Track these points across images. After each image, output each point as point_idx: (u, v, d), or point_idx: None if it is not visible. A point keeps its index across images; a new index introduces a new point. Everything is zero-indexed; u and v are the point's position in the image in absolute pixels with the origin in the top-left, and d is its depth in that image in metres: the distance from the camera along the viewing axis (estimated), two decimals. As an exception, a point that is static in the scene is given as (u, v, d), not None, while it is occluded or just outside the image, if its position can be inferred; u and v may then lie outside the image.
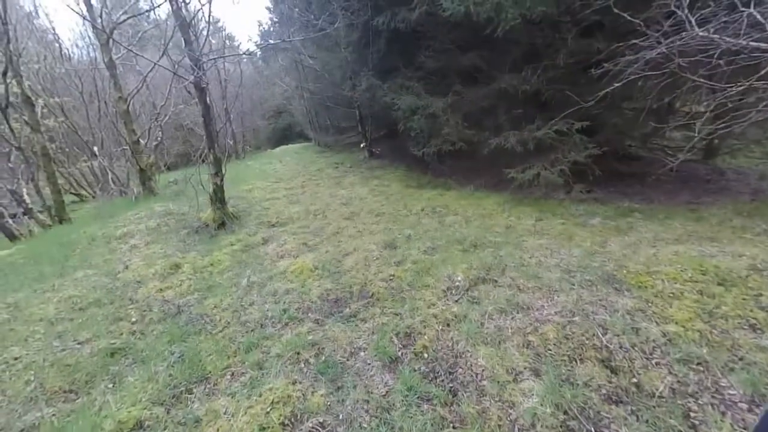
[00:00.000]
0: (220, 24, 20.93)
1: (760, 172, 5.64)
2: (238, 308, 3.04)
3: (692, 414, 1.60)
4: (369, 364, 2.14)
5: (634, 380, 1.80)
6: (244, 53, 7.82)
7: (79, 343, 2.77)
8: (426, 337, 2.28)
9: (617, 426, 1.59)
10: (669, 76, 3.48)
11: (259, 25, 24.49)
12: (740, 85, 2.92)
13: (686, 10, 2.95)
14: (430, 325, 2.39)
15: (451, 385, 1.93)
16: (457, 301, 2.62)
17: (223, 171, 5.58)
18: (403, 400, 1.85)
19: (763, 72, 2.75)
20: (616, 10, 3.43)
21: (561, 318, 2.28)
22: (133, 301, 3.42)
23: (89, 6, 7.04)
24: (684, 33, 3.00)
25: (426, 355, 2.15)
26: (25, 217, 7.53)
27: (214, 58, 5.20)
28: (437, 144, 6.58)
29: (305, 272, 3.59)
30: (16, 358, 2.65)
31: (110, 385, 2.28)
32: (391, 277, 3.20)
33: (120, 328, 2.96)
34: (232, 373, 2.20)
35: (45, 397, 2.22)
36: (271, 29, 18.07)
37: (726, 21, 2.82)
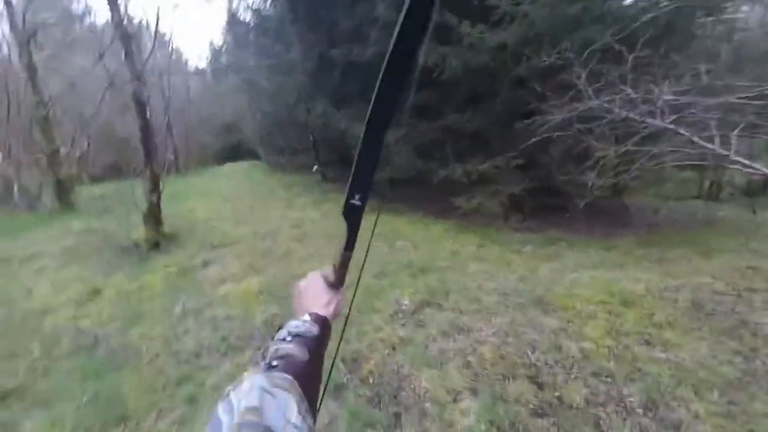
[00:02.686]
0: (166, 38, 19.99)
1: (653, 208, 6.77)
2: (170, 337, 2.78)
3: (601, 422, 1.82)
4: (313, 392, 2.08)
5: (557, 394, 2.01)
6: (194, 72, 7.56)
7: (-43, 387, 2.29)
8: (372, 361, 2.30)
9: (542, 437, 1.74)
10: (570, 137, 4.21)
11: (211, 45, 23.90)
12: (620, 148, 3.64)
13: (584, 82, 3.63)
14: (376, 349, 2.42)
15: (395, 408, 1.96)
16: (403, 324, 2.70)
17: (161, 188, 5.20)
18: (347, 428, 1.83)
19: (637, 138, 3.49)
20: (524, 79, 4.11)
21: (497, 339, 2.47)
22: (38, 333, 2.95)
23: (8, 3, 6.37)
24: (580, 104, 3.72)
25: (371, 380, 2.16)
26: None
27: (159, 73, 4.97)
28: (389, 172, 6.85)
29: (249, 297, 3.43)
30: None
31: (-3, 436, 1.92)
32: (340, 302, 3.19)
33: (15, 366, 2.52)
34: (159, 410, 1.99)
35: None
36: (224, 49, 17.73)
37: (612, 96, 3.54)
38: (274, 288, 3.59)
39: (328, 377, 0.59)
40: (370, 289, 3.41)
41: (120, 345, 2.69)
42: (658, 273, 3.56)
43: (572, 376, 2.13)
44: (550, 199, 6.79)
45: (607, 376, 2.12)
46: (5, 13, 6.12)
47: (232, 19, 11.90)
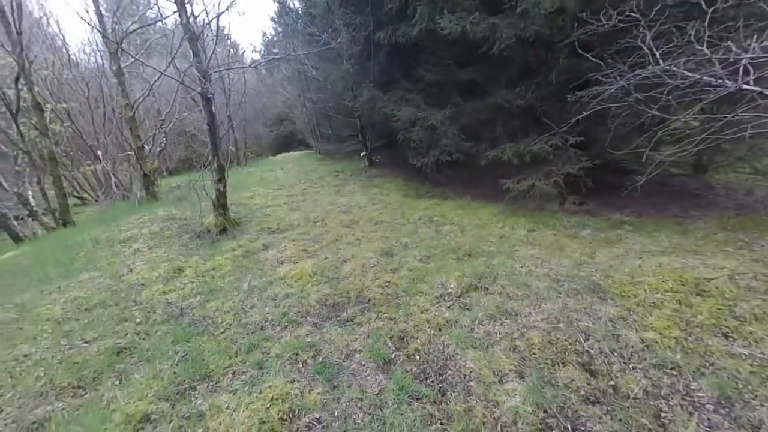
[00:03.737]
0: (225, 32, 21.36)
1: (747, 188, 5.81)
2: (239, 311, 3.16)
3: (663, 414, 1.72)
4: (363, 365, 2.25)
5: (612, 383, 1.93)
6: (250, 65, 8.04)
7: (86, 342, 2.88)
8: (418, 340, 2.40)
9: (593, 424, 1.71)
10: (628, 108, 3.75)
11: (263, 35, 24.96)
12: (685, 117, 3.16)
13: (649, 44, 3.19)
14: (422, 329, 2.51)
15: (440, 385, 2.05)
16: (449, 307, 2.75)
17: (226, 178, 5.74)
18: (394, 399, 1.97)
19: (707, 102, 3.00)
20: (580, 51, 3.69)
21: (546, 324, 2.41)
22: (137, 303, 3.54)
23: (100, 16, 7.29)
24: (642, 70, 3.28)
25: (418, 358, 2.27)
26: (30, 219, 7.65)
27: (221, 70, 5.40)
28: (435, 155, 6.76)
29: (304, 278, 3.72)
30: (25, 355, 2.75)
31: (117, 382, 2.39)
32: (387, 284, 3.33)
33: (125, 328, 3.07)
34: (234, 372, 2.32)
35: (55, 392, 2.33)
36: (275, 39, 18.46)
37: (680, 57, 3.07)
38: (325, 270, 3.85)
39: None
40: (416, 272, 3.50)
41: (200, 316, 3.13)
42: (746, 260, 3.12)
43: (630, 366, 2.03)
44: (613, 178, 6.19)
45: (672, 368, 1.98)
46: (97, 24, 6.98)
47: (282, 9, 12.29)
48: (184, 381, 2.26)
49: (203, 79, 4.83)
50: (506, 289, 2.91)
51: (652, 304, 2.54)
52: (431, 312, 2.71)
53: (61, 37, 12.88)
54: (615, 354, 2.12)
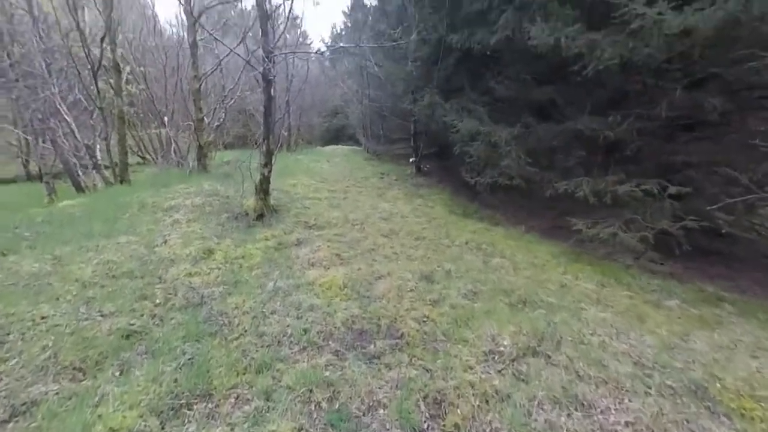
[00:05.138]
0: (297, 21, 22.00)
1: None
2: (259, 315, 2.87)
3: None
4: (388, 429, 1.82)
5: None
6: (315, 52, 7.96)
7: (102, 315, 2.73)
8: (459, 411, 1.92)
9: None
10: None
11: (333, 28, 25.48)
12: None
13: None
14: (465, 395, 2.03)
15: (483, 488, 1.57)
16: (500, 371, 2.23)
17: (273, 163, 5.59)
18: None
19: None
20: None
21: None
22: (162, 281, 3.39)
23: (186, -11, 7.51)
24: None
25: (457, 436, 1.80)
26: (93, 171, 8.12)
27: (284, 53, 5.25)
28: (494, 175, 6.18)
29: (333, 288, 3.37)
30: (43, 318, 2.65)
31: (117, 373, 2.17)
32: (425, 319, 2.88)
33: (143, 307, 2.90)
34: (237, 396, 1.99)
35: (55, 370, 2.15)
36: (343, 33, 18.65)
37: None
38: (357, 284, 3.47)
39: None
40: (459, 311, 3.00)
41: (218, 311, 2.88)
42: None
43: None
44: (703, 239, 5.22)
45: None
46: None
47: (356, 2, 12.24)
48: (183, 393, 1.98)
49: (267, 60, 4.67)
50: (574, 363, 2.33)
51: (785, 436, 1.85)
52: (477, 373, 2.21)
53: (151, 6, 13.78)
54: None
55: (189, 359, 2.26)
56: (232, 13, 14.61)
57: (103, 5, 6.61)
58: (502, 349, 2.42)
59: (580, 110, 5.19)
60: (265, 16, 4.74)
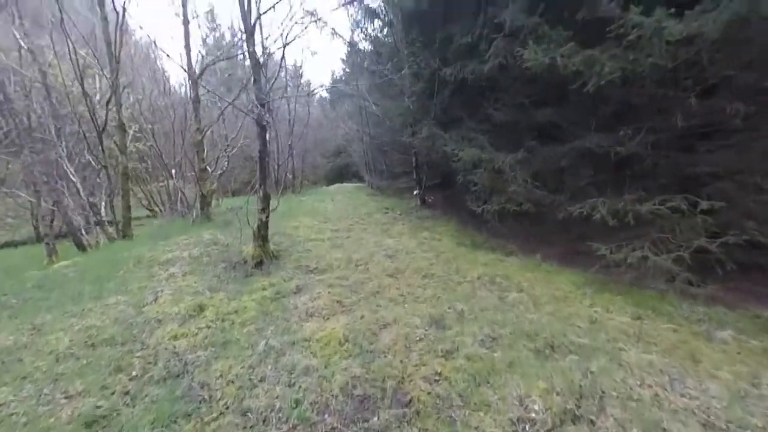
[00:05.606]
0: (300, 71, 23.27)
1: None
2: (245, 384, 2.49)
3: None
4: None
5: None
6: (308, 93, 8.15)
7: (66, 397, 2.40)
8: None
9: None
10: None
11: (332, 74, 26.95)
12: None
13: None
14: (492, 488, 1.58)
15: None
16: (534, 449, 1.78)
17: (273, 207, 5.43)
18: None
19: None
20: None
21: None
22: (144, 346, 3.07)
23: (188, 50, 7.93)
24: None
25: None
26: (97, 227, 8.13)
27: (279, 98, 5.27)
28: (501, 202, 5.88)
29: (332, 344, 2.98)
30: (1, 405, 2.34)
31: (68, 476, 1.81)
32: (437, 377, 2.45)
33: (116, 382, 2.57)
34: (207, 505, 1.59)
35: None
36: (342, 77, 19.56)
37: None
38: (359, 335, 3.08)
39: None
40: (477, 364, 2.57)
41: (199, 382, 2.52)
42: None
43: None
44: (745, 255, 4.70)
45: None
46: (186, 57, 7.54)
47: (352, 49, 12.84)
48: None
49: (260, 107, 4.66)
50: (627, 429, 1.86)
51: None
52: (505, 452, 1.77)
53: (162, 69, 14.76)
54: None
55: (155, 453, 1.89)
56: (237, 65, 15.51)
57: (109, 71, 6.95)
58: (533, 415, 1.98)
59: (585, 128, 4.97)
60: (257, 65, 4.82)
